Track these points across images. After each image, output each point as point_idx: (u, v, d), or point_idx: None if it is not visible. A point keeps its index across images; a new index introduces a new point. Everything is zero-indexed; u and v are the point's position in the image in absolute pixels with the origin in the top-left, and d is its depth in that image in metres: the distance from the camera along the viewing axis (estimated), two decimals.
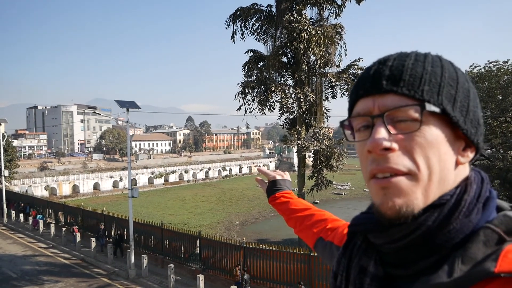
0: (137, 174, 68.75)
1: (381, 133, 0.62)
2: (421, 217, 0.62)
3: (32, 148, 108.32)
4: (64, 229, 24.38)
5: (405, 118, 0.61)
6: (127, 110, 18.46)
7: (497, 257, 0.55)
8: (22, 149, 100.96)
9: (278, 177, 1.49)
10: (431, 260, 0.62)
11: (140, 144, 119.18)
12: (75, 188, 62.18)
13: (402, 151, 0.61)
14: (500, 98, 22.31)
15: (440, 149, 0.62)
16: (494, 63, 23.96)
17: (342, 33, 20.94)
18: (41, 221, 26.41)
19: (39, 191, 54.94)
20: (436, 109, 0.61)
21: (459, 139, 0.65)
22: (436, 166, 0.61)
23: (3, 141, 32.59)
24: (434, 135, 0.61)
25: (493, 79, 22.69)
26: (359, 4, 19.85)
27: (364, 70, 0.69)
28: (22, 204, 30.54)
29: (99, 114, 32.88)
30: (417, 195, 0.61)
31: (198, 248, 18.34)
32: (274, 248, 16.21)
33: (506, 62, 24.08)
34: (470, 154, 0.66)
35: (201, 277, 15.32)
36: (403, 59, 0.64)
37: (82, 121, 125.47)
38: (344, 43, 21.14)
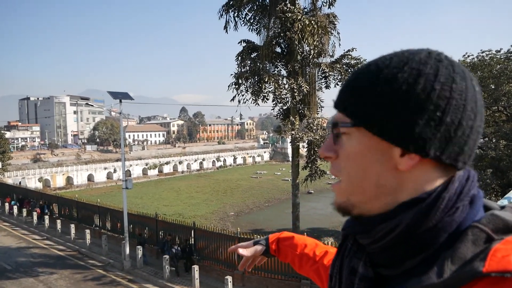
0: (131, 166, 68.59)
1: (326, 143, 0.72)
2: (400, 215, 0.64)
3: (25, 140, 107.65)
4: (58, 221, 24.37)
5: (340, 131, 0.69)
6: (120, 101, 18.36)
7: (485, 256, 0.55)
8: (15, 141, 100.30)
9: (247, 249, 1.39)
10: (417, 260, 0.62)
11: (133, 135, 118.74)
12: (69, 180, 61.96)
13: (337, 160, 0.70)
14: (493, 87, 22.40)
15: (365, 158, 0.66)
16: (487, 52, 24.00)
17: (335, 22, 20.83)
18: (34, 213, 26.39)
19: (33, 183, 54.69)
20: (346, 125, 0.67)
21: (392, 147, 0.63)
22: (360, 173, 0.67)
23: None
24: (358, 146, 0.66)
25: (486, 68, 22.75)
26: None
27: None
28: (40, 202, 28.69)
29: (92, 105, 32.77)
30: (348, 198, 0.69)
31: (192, 239, 18.42)
32: None
33: (499, 51, 24.14)
34: (411, 160, 0.62)
35: (195, 267, 15.41)
36: (351, 75, 0.69)
37: (75, 112, 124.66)
38: (338, 33, 21.05)
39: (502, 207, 0.65)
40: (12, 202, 31.06)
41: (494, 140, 21.88)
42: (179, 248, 17.68)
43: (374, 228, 0.66)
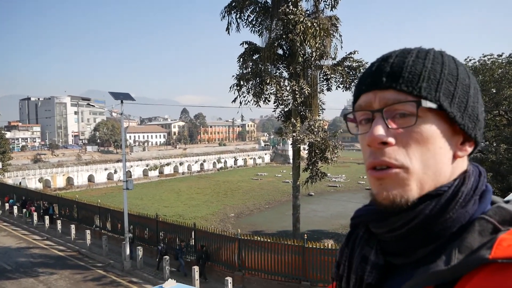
0: (131, 166, 68.58)
1: (379, 127, 0.65)
2: (419, 206, 0.65)
3: (26, 140, 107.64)
4: (59, 221, 24.37)
5: (403, 112, 0.65)
6: (121, 101, 18.38)
7: (492, 245, 0.57)
8: (16, 141, 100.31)
9: None
10: (429, 249, 0.65)
11: (134, 136, 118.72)
12: (69, 181, 61.95)
13: (398, 145, 0.65)
14: (494, 91, 22.40)
15: (435, 143, 0.65)
16: (489, 57, 24.01)
17: (337, 25, 20.83)
18: (35, 214, 26.36)
19: (33, 184, 54.69)
20: (432, 105, 0.64)
21: (457, 134, 0.68)
22: (431, 160, 0.65)
23: None
24: (430, 130, 0.64)
25: (487, 72, 22.75)
26: None
27: (368, 67, 0.72)
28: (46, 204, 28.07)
29: (93, 106, 32.75)
30: (411, 187, 0.65)
31: (193, 240, 18.41)
32: (268, 240, 16.30)
33: (501, 55, 24.16)
34: (469, 148, 0.69)
35: (196, 268, 15.39)
36: (404, 56, 0.68)
37: (76, 112, 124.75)
38: (340, 35, 21.05)
39: (507, 202, 0.68)
40: (11, 201, 31.03)
41: (494, 144, 21.86)
42: (183, 249, 17.68)
43: (394, 217, 0.67)
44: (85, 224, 24.24)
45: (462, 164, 0.70)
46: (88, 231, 21.37)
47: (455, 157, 0.68)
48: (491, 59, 23.63)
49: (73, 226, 22.78)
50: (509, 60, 25.23)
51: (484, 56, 23.90)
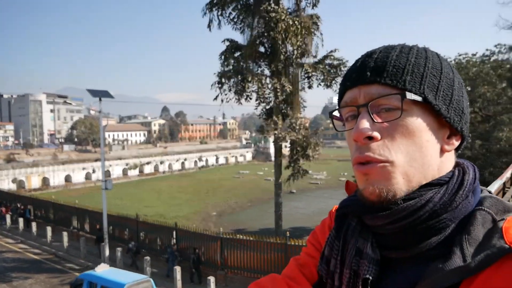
0: (110, 166, 67.43)
1: (365, 122, 0.64)
2: (427, 193, 0.64)
3: None
4: (34, 223, 23.70)
5: (388, 106, 0.64)
6: (100, 99, 17.97)
7: (501, 235, 0.58)
8: None
9: None
10: (432, 242, 0.63)
11: (113, 135, 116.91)
12: (45, 181, 60.41)
13: (384, 140, 0.64)
14: (469, 89, 22.93)
15: (421, 136, 0.64)
16: (464, 56, 24.58)
17: (318, 23, 20.90)
18: (7, 216, 25.57)
19: (6, 184, 52.96)
20: (417, 98, 0.63)
21: (444, 127, 0.67)
22: (417, 153, 0.64)
23: None
24: (415, 123, 0.64)
25: (463, 71, 23.29)
26: None
27: (353, 63, 0.71)
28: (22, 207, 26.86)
29: (70, 103, 32.04)
30: (397, 180, 0.63)
31: (174, 240, 18.17)
32: (251, 238, 16.25)
33: (475, 54, 24.78)
34: (455, 142, 0.69)
35: (178, 268, 15.18)
36: (388, 52, 0.67)
37: (52, 110, 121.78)
38: (321, 34, 21.13)
39: (490, 192, 0.71)
40: None
41: (470, 140, 22.34)
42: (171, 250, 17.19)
43: (397, 207, 0.64)
44: (62, 225, 23.66)
45: (450, 158, 0.70)
46: (65, 233, 20.85)
47: (442, 150, 0.67)
48: (466, 58, 24.20)
49: (49, 228, 22.16)
50: (482, 59, 25.90)
51: (459, 55, 24.44)
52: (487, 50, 27.33)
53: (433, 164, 0.66)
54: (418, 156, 0.64)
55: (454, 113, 0.67)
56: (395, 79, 0.64)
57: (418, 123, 0.64)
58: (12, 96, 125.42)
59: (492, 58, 26.46)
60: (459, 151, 0.72)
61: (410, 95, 0.62)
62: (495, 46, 27.30)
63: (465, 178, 0.66)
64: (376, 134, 0.63)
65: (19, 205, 26.91)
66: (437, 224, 0.63)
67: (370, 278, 0.65)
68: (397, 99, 0.63)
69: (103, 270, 12.46)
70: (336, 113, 0.73)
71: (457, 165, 0.71)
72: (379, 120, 0.64)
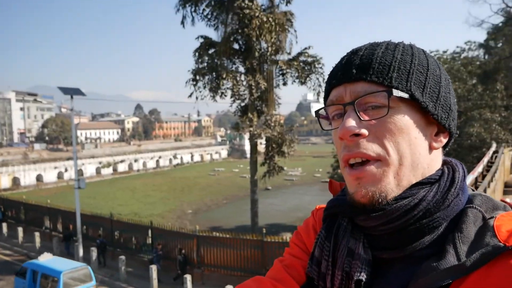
0: (83, 164, 66.05)
1: (351, 120, 0.63)
2: (419, 192, 0.64)
3: None
4: (4, 224, 23.03)
5: (375, 104, 0.63)
6: (71, 97, 17.62)
7: (494, 233, 0.58)
8: None
9: None
10: (425, 241, 0.63)
11: (86, 133, 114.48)
12: (15, 181, 58.63)
13: (372, 137, 0.63)
14: None
15: (410, 133, 0.63)
16: (435, 53, 25.23)
17: (292, 20, 21.09)
18: None
19: None
20: (404, 95, 0.63)
21: (431, 124, 0.67)
22: (406, 151, 0.63)
23: None
24: (403, 120, 0.63)
25: None
26: None
27: (338, 61, 0.70)
28: None
29: (41, 101, 31.18)
30: (389, 179, 0.63)
31: (150, 239, 18.02)
32: (227, 236, 16.28)
33: (446, 51, 25.47)
34: (443, 139, 0.69)
35: (153, 267, 15.08)
36: (373, 49, 0.67)
37: (21, 109, 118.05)
38: (295, 31, 21.33)
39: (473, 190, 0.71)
40: None
41: (457, 137, 23.00)
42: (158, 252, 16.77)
43: (390, 208, 0.63)
44: (33, 226, 23.07)
45: (438, 155, 0.70)
46: (37, 233, 20.36)
47: (430, 148, 0.67)
48: (437, 55, 24.83)
49: (20, 229, 21.58)
50: (453, 56, 26.67)
51: (430, 52, 25.06)
52: (457, 47, 28.25)
53: (423, 162, 0.65)
54: (408, 154, 0.63)
55: (441, 110, 0.66)
56: (381, 76, 0.63)
57: (405, 120, 0.63)
58: None
59: (463, 55, 27.36)
60: (447, 149, 0.72)
61: (396, 92, 0.62)
62: (465, 43, 28.27)
63: (455, 176, 0.67)
64: (363, 131, 0.63)
65: None
66: (431, 223, 0.63)
67: (364, 279, 0.64)
68: (384, 97, 0.62)
69: (45, 259, 13.44)
70: (322, 112, 0.73)
71: (444, 163, 0.71)
72: (366, 118, 0.63)
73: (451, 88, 0.70)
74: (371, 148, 0.63)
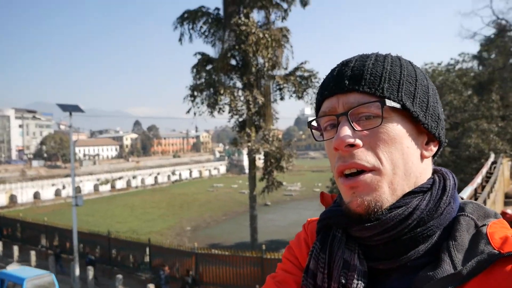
0: (81, 181, 65.78)
1: (346, 130, 0.63)
2: (413, 201, 0.64)
3: None
4: (0, 242, 22.76)
5: (368, 114, 0.64)
6: (70, 114, 17.61)
7: (488, 241, 0.59)
8: None
9: None
10: (420, 250, 0.63)
11: (84, 150, 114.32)
12: (12, 198, 58.26)
13: (366, 147, 0.63)
14: None
15: (402, 143, 0.64)
16: (430, 65, 25.46)
17: (288, 36, 21.31)
18: None
19: None
20: (396, 105, 0.63)
21: (422, 134, 0.68)
22: (400, 160, 0.64)
23: None
24: (396, 129, 0.64)
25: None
26: (304, 8, 20.29)
27: (329, 72, 0.71)
28: None
29: (39, 118, 31.16)
30: (384, 189, 0.63)
31: (148, 257, 17.81)
32: (226, 253, 16.12)
33: (440, 63, 25.70)
34: (434, 148, 0.70)
35: (151, 286, 14.85)
36: (363, 60, 0.67)
37: (20, 126, 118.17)
38: (291, 46, 21.53)
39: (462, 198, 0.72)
40: None
41: (446, 145, 23.04)
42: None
43: (385, 217, 0.63)
44: (30, 244, 22.81)
45: (429, 164, 0.70)
46: (33, 252, 20.12)
47: (422, 157, 0.68)
48: (432, 67, 25.05)
49: (16, 247, 21.34)
50: (447, 68, 26.88)
51: (425, 65, 25.31)
52: (451, 59, 28.53)
53: (415, 170, 0.66)
54: (401, 163, 0.64)
55: (431, 119, 0.67)
56: (373, 87, 0.64)
57: (398, 129, 0.64)
58: None
59: (457, 67, 27.59)
60: (435, 157, 0.72)
61: (389, 102, 0.62)
62: (459, 55, 28.54)
63: (446, 184, 0.67)
64: (358, 141, 0.63)
65: None
66: (425, 232, 0.63)
67: None
68: (377, 107, 0.63)
69: (12, 268, 15.22)
70: (314, 123, 0.72)
71: (434, 171, 0.71)
72: (359, 128, 0.64)
73: (438, 98, 0.71)
74: (366, 159, 0.63)
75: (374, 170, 0.63)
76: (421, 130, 0.67)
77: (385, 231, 0.63)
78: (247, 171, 24.33)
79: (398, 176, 0.64)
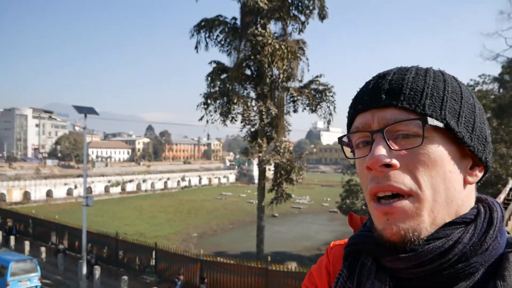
0: (93, 182, 66.49)
1: (381, 149, 0.58)
2: (454, 233, 0.58)
3: None
4: (12, 237, 23.15)
5: (406, 133, 0.58)
6: (85, 115, 17.96)
7: None
8: None
9: None
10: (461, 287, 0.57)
11: (97, 152, 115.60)
12: (26, 195, 59.21)
13: (403, 169, 0.57)
14: None
15: (444, 166, 0.58)
16: None
17: (304, 48, 21.43)
18: None
19: None
20: (439, 124, 0.58)
21: (466, 157, 0.61)
22: (441, 185, 0.58)
23: None
24: (437, 151, 0.58)
25: None
26: (322, 21, 20.43)
27: (364, 85, 0.67)
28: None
29: (55, 119, 31.74)
30: (423, 218, 0.57)
31: (154, 260, 17.93)
32: (231, 262, 16.13)
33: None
34: (479, 173, 0.63)
35: None
36: (403, 73, 0.62)
37: (37, 125, 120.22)
38: (307, 59, 21.63)
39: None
40: None
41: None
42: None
43: (422, 249, 0.57)
44: (40, 240, 23.17)
45: (472, 192, 0.64)
46: (43, 248, 20.42)
47: (465, 183, 0.61)
48: None
49: (27, 243, 21.70)
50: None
51: None
52: (471, 80, 28.22)
53: (457, 198, 0.59)
54: (442, 189, 0.57)
55: (477, 141, 0.60)
56: (413, 103, 0.58)
57: (440, 151, 0.58)
58: None
59: (477, 88, 27.27)
60: (479, 183, 0.65)
61: (431, 121, 0.57)
62: (480, 76, 28.23)
63: (493, 216, 0.60)
64: (395, 161, 0.57)
65: (6, 221, 26.09)
66: (467, 269, 0.56)
67: None
68: (417, 125, 0.57)
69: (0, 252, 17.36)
70: (345, 139, 0.67)
71: (478, 200, 0.65)
72: (396, 148, 0.58)
73: (485, 118, 0.64)
74: (403, 181, 0.57)
75: (411, 195, 0.57)
76: (466, 153, 0.61)
77: (421, 265, 0.57)
78: (256, 181, 24.38)
79: (438, 203, 0.57)
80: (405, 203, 0.57)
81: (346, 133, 0.68)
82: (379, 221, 0.59)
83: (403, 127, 0.58)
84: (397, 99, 0.59)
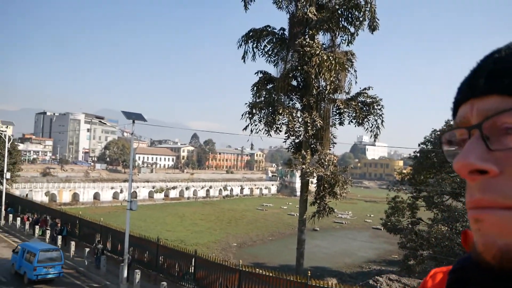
0: (138, 187, 68.51)
1: (474, 149, 0.46)
2: None
3: (37, 153, 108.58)
4: (59, 237, 24.05)
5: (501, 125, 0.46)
6: (133, 122, 18.41)
7: None
8: (27, 153, 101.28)
9: None
10: None
11: (143, 157, 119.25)
12: (75, 196, 61.98)
13: (507, 175, 0.44)
14: None
15: None
16: None
17: (353, 60, 20.99)
18: (37, 227, 26.05)
19: (39, 197, 54.74)
20: None
21: None
22: None
23: (8, 143, 32.59)
24: None
25: None
26: (372, 33, 19.90)
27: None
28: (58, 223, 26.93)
29: (106, 124, 32.99)
30: None
31: (192, 267, 17.95)
32: (270, 274, 15.81)
33: None
34: None
35: None
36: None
37: (88, 130, 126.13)
38: (355, 71, 21.17)
39: None
40: (9, 209, 31.07)
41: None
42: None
43: None
44: (85, 241, 23.91)
45: None
46: (87, 249, 21.02)
47: None
48: None
49: (73, 243, 22.45)
50: None
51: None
52: None
53: None
54: None
55: None
56: None
57: None
58: (54, 114, 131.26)
59: None
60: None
61: None
62: None
63: None
64: (490, 166, 0.44)
65: (56, 221, 27.13)
66: None
67: None
68: None
69: (32, 241, 20.18)
70: (447, 136, 0.55)
71: None
72: (499, 147, 0.45)
73: None
74: (504, 193, 0.44)
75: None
76: None
77: None
78: (298, 193, 23.98)
79: None
80: (505, 213, 0.44)
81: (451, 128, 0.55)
82: (473, 231, 0.49)
83: (508, 119, 0.45)
84: (500, 83, 0.45)
